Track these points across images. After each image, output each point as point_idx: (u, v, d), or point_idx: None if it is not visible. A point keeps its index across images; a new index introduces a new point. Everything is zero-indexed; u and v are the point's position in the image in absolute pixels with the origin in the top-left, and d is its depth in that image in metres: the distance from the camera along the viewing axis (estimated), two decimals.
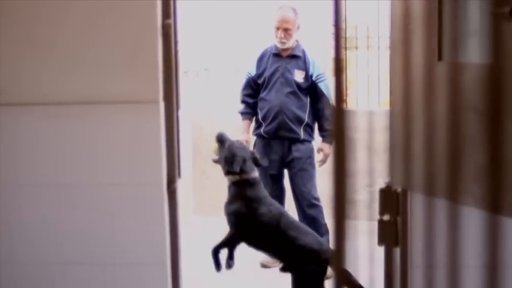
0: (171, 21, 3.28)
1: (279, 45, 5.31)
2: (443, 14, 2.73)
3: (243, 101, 5.58)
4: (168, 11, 3.28)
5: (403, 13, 2.64)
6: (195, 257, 5.53)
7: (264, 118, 5.42)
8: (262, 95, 5.41)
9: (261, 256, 5.50)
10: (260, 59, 5.44)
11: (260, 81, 5.42)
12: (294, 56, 5.33)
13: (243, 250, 5.18)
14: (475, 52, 2.54)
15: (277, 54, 5.38)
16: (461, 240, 2.20)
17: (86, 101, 3.30)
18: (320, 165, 5.36)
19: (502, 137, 2.33)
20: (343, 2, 1.50)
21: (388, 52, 3.20)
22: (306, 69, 5.27)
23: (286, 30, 5.24)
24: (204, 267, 5.31)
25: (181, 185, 3.52)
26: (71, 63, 3.30)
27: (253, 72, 5.45)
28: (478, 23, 2.54)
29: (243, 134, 5.58)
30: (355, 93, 7.14)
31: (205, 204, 7.13)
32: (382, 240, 3.21)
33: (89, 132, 3.32)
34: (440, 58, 2.73)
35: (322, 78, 5.28)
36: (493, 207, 2.25)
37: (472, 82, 2.45)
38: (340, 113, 1.59)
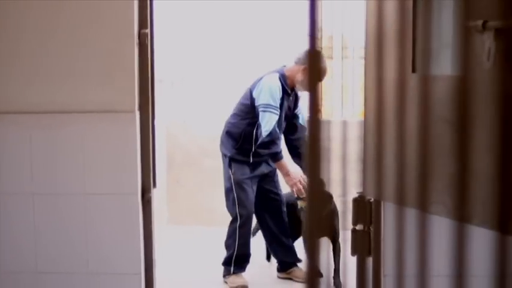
0: (148, 30, 3.29)
1: (301, 89, 5.10)
2: (417, 27, 2.77)
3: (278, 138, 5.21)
4: (144, 20, 3.29)
5: (378, 25, 2.67)
6: (170, 267, 5.52)
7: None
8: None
9: None
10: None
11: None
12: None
13: None
14: (447, 64, 2.58)
15: (287, 90, 5.17)
16: (433, 250, 2.22)
17: (61, 110, 3.30)
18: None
19: (471, 147, 2.36)
20: (319, 10, 1.52)
21: (362, 63, 3.24)
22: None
23: None
24: (178, 278, 5.32)
25: (155, 194, 3.52)
26: (47, 72, 3.30)
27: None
28: (451, 35, 2.58)
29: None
30: (330, 103, 7.18)
31: (179, 213, 7.13)
32: (355, 250, 3.24)
33: (64, 141, 3.32)
34: (414, 70, 2.76)
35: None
36: (463, 216, 2.28)
37: (444, 94, 2.49)
38: (315, 123, 1.61)
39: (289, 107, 5.20)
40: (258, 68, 6.75)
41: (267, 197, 5.36)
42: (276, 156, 5.17)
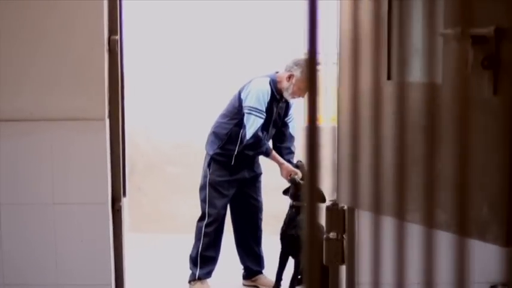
0: (117, 37, 3.24)
1: (290, 99, 5.16)
2: (392, 34, 2.76)
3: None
4: (114, 27, 3.24)
5: (352, 31, 2.66)
6: (134, 275, 5.46)
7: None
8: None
9: None
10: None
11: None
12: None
13: None
14: (423, 72, 2.58)
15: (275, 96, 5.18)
16: (408, 258, 2.21)
17: (29, 118, 3.23)
18: None
19: (447, 155, 2.36)
20: (318, 19, 1.49)
21: (334, 70, 3.22)
22: None
23: None
24: (143, 286, 5.25)
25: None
26: (15, 79, 3.23)
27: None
28: (427, 43, 2.57)
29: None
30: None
31: (140, 221, 7.04)
32: (328, 258, 3.22)
33: (32, 150, 3.25)
34: (389, 77, 2.76)
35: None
36: (438, 224, 2.28)
37: (420, 101, 2.48)
38: (313, 130, 1.57)
39: (279, 114, 5.22)
40: (225, 73, 6.73)
41: (245, 201, 5.34)
42: (265, 154, 5.19)
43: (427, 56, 2.58)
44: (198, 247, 5.23)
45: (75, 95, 3.21)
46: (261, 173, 5.38)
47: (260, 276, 5.42)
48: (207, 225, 5.21)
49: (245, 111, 5.07)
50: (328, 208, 3.19)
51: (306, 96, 1.48)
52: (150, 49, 6.96)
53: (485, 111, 2.37)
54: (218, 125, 5.24)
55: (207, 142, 5.31)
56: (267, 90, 5.09)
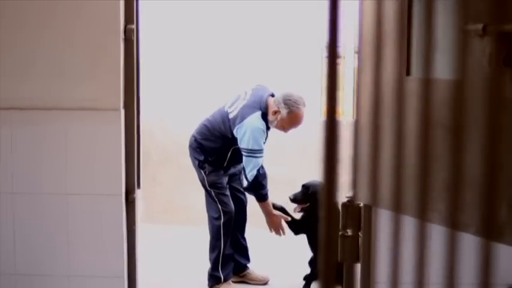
0: (134, 26, 3.20)
1: (272, 127, 5.03)
2: (412, 29, 2.71)
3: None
4: (130, 15, 3.19)
5: (373, 26, 2.61)
6: (147, 266, 5.44)
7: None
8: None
9: None
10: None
11: None
12: None
13: None
14: (444, 68, 2.53)
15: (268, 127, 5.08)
16: (426, 257, 2.17)
17: (44, 107, 3.20)
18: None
19: (469, 153, 2.31)
20: (340, 12, 1.44)
21: (355, 64, 3.17)
22: None
23: None
24: (157, 278, 5.22)
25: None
26: (30, 68, 3.19)
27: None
28: (448, 39, 2.53)
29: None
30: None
31: (154, 211, 7.02)
32: (343, 255, 3.17)
33: (46, 139, 3.22)
34: (408, 73, 2.71)
35: None
36: (458, 224, 2.23)
37: (440, 98, 2.43)
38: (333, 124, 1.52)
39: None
40: (241, 64, 6.69)
41: (232, 194, 5.23)
42: (262, 197, 5.10)
43: (449, 52, 2.53)
44: (220, 247, 5.11)
45: (90, 84, 3.17)
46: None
47: (248, 271, 5.33)
48: (224, 224, 5.10)
49: (243, 153, 4.93)
50: (344, 205, 3.15)
51: (325, 90, 1.44)
52: (167, 39, 6.92)
53: (507, 109, 2.33)
54: (206, 139, 5.12)
55: (192, 147, 5.19)
56: (262, 128, 4.95)
